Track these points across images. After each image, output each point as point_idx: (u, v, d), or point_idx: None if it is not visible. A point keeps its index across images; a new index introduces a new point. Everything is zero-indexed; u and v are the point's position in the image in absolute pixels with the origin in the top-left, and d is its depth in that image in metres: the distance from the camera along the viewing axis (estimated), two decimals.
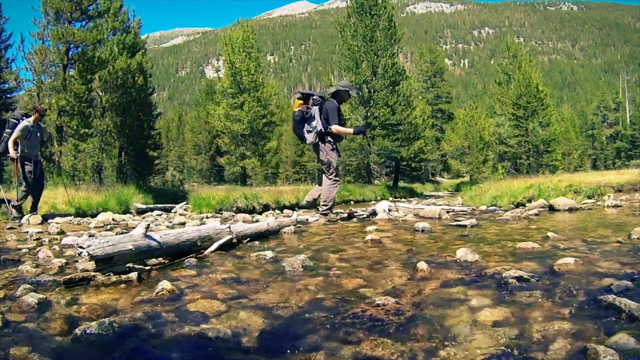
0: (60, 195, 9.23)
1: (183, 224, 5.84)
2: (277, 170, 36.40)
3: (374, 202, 13.86)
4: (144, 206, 10.32)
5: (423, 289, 1.95)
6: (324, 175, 5.56)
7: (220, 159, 27.48)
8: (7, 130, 6.98)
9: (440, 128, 43.84)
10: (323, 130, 5.28)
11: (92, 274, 2.16)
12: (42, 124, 7.47)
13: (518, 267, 2.16)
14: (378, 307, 1.69)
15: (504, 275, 2.03)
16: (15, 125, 6.92)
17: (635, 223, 3.74)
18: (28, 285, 2.02)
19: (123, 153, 19.77)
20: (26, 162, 6.99)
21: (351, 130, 5.60)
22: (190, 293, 1.96)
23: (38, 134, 7.17)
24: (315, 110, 5.34)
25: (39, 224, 5.99)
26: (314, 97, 5.39)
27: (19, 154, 6.85)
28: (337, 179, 5.49)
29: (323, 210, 5.46)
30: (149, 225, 2.59)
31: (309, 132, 5.37)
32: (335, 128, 5.23)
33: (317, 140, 5.33)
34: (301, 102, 5.43)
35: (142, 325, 1.57)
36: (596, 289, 1.82)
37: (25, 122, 6.91)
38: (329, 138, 5.33)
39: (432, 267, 2.28)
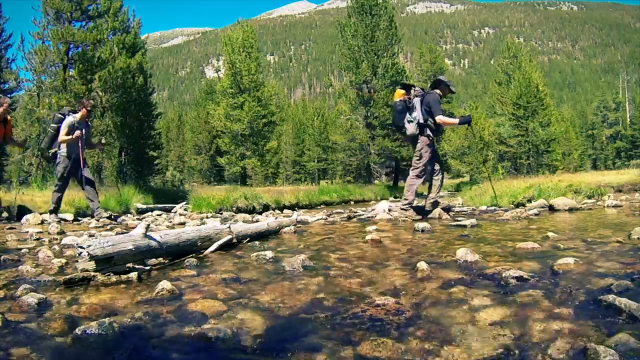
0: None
1: (183, 224, 5.84)
2: (277, 170, 36.44)
3: (374, 202, 13.87)
4: (144, 206, 10.32)
5: (423, 289, 1.95)
6: (410, 168, 5.60)
7: (220, 159, 27.49)
8: (51, 126, 6.68)
9: None
10: (423, 122, 5.38)
11: (92, 274, 2.16)
12: (88, 122, 7.08)
13: (518, 267, 2.16)
14: (378, 307, 1.69)
15: (504, 275, 2.03)
16: (61, 120, 6.59)
17: (635, 223, 3.73)
18: (28, 285, 2.02)
19: (123, 153, 19.78)
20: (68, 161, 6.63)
21: (457, 121, 5.75)
22: (190, 293, 1.96)
23: (84, 132, 6.77)
24: (417, 101, 5.45)
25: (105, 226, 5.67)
26: (416, 89, 5.54)
27: (51, 151, 6.58)
28: (422, 174, 5.46)
29: (403, 205, 5.49)
30: (149, 225, 2.59)
31: (409, 122, 5.44)
32: (440, 119, 5.34)
33: (417, 131, 5.41)
34: (403, 92, 5.53)
35: (142, 325, 1.57)
36: (596, 289, 1.82)
37: (71, 118, 6.58)
38: (428, 131, 5.41)
39: (432, 267, 2.28)
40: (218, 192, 11.83)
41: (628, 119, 53.88)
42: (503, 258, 2.52)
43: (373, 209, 6.68)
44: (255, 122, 23.78)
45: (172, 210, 9.97)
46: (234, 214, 8.66)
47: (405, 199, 5.45)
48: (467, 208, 7.52)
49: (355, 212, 5.96)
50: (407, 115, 5.43)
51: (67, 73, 15.84)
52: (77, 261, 2.59)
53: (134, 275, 2.22)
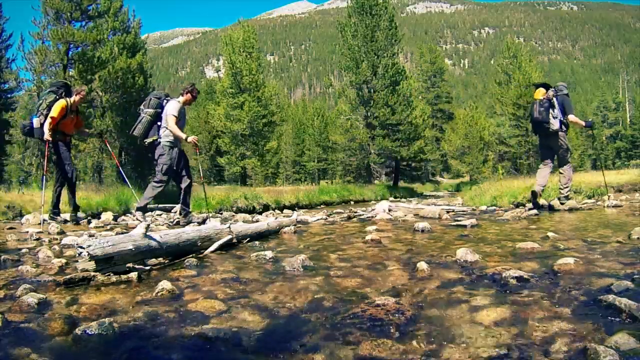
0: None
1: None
2: (277, 170, 36.44)
3: (374, 202, 13.86)
4: None
5: (423, 289, 1.95)
6: (559, 159, 6.13)
7: (220, 159, 27.47)
8: (147, 111, 5.59)
9: (440, 128, 43.83)
10: (562, 119, 5.90)
11: (92, 274, 2.16)
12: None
13: (518, 267, 2.16)
14: (378, 307, 1.69)
15: (504, 275, 2.03)
16: (160, 105, 5.58)
17: (635, 223, 3.73)
18: (28, 285, 2.02)
19: (123, 153, 19.77)
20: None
21: (583, 123, 6.23)
22: (190, 293, 1.96)
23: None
24: (556, 100, 5.92)
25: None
26: (556, 88, 6.00)
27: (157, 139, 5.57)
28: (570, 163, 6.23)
29: (565, 193, 6.09)
30: (149, 225, 2.59)
31: (554, 118, 5.87)
32: (573, 118, 5.86)
33: (558, 127, 5.90)
34: (545, 90, 6.04)
35: (142, 325, 1.57)
36: (596, 289, 1.82)
37: (177, 103, 5.54)
38: (564, 127, 5.95)
39: (432, 267, 2.28)
40: (218, 192, 11.83)
41: (628, 119, 53.87)
42: (503, 258, 2.52)
43: (373, 209, 6.68)
44: (255, 122, 23.78)
45: (172, 210, 9.97)
46: (234, 214, 8.66)
47: (567, 187, 6.11)
48: (467, 208, 7.52)
49: (355, 212, 5.96)
50: (551, 111, 5.88)
51: (67, 73, 15.83)
52: (77, 261, 2.59)
53: (134, 275, 2.22)
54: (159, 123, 5.60)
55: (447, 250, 2.79)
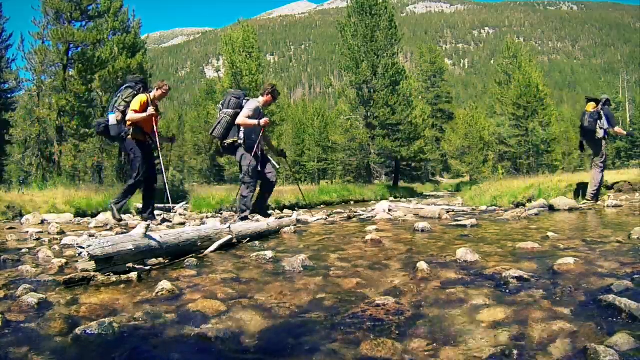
0: (60, 195, 9.23)
1: (183, 224, 5.84)
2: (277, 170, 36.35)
3: (374, 202, 13.86)
4: None
5: (423, 289, 1.95)
6: (594, 164, 7.13)
7: (220, 159, 27.48)
8: (226, 111, 5.34)
9: (440, 128, 43.82)
10: (606, 129, 6.93)
11: (92, 274, 2.16)
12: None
13: (518, 267, 2.16)
14: (378, 307, 1.69)
15: (504, 275, 2.03)
16: (239, 105, 5.39)
17: (635, 223, 3.73)
18: (28, 285, 2.02)
19: (123, 153, 19.78)
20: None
21: (625, 132, 7.72)
22: (190, 293, 1.96)
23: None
24: (603, 113, 6.91)
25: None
26: (604, 102, 7.01)
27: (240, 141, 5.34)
28: (602, 165, 7.09)
29: (592, 191, 6.96)
30: (148, 225, 2.59)
31: (600, 128, 6.90)
32: (617, 129, 7.23)
33: (602, 136, 6.93)
34: (595, 104, 7.05)
35: (142, 325, 1.57)
36: (596, 289, 1.82)
37: (256, 102, 5.44)
38: (607, 136, 7.01)
39: (432, 267, 2.28)
40: (218, 192, 11.84)
41: (628, 119, 53.83)
42: (503, 258, 2.52)
43: (373, 209, 6.68)
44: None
45: (172, 210, 9.97)
46: (234, 214, 8.66)
47: (594, 190, 6.98)
48: (467, 208, 7.52)
49: (355, 212, 5.95)
50: (599, 122, 6.90)
51: (67, 73, 15.85)
52: (77, 261, 2.59)
53: (134, 275, 2.22)
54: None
55: (447, 250, 2.79)
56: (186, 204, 10.95)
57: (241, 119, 5.22)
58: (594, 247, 2.73)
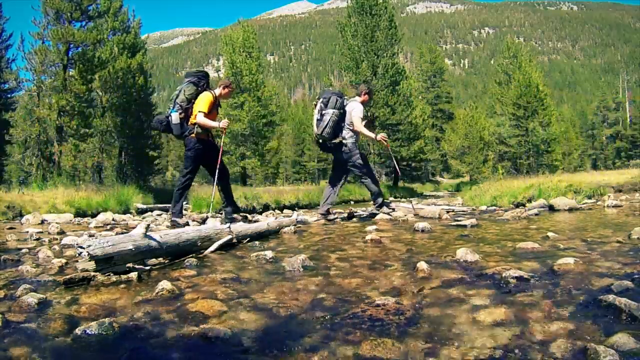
0: (60, 195, 9.23)
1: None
2: (277, 170, 36.40)
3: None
4: (144, 206, 10.33)
5: (423, 289, 1.95)
6: None
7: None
8: (332, 111, 5.34)
9: (440, 128, 43.83)
10: None
11: (92, 274, 2.16)
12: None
13: (518, 267, 2.16)
14: (378, 307, 1.69)
15: (504, 275, 2.03)
16: (343, 105, 5.43)
17: (635, 223, 3.73)
18: (28, 285, 2.02)
19: (123, 153, 19.77)
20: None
21: None
22: (190, 293, 1.96)
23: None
24: None
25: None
26: None
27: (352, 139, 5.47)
28: None
29: None
30: (149, 225, 2.59)
31: None
32: None
33: None
34: None
35: (142, 325, 1.57)
36: (596, 289, 1.82)
37: (360, 104, 5.54)
38: None
39: (432, 267, 2.28)
40: (218, 192, 11.81)
41: (628, 119, 53.83)
42: (503, 258, 2.51)
43: (373, 209, 6.67)
44: (255, 122, 23.79)
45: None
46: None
47: None
48: (467, 208, 7.52)
49: (355, 212, 5.95)
50: None
51: (67, 73, 15.83)
52: (77, 261, 2.59)
53: (134, 275, 2.22)
54: (342, 124, 5.52)
55: (447, 250, 2.79)
56: (186, 203, 10.95)
57: (361, 128, 5.46)
58: (594, 247, 2.73)
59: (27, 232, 4.57)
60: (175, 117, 4.98)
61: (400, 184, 27.57)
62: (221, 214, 6.64)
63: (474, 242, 3.21)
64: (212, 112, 5.04)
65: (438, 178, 49.96)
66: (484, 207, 7.44)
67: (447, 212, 5.77)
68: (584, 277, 2.00)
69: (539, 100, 28.38)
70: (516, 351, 1.28)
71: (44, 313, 1.69)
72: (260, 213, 9.50)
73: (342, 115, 5.40)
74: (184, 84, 5.10)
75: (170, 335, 1.47)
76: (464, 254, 2.48)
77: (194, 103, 4.98)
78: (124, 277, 2.20)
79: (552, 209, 6.07)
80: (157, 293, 1.92)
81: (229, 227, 3.35)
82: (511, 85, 29.27)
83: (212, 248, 3.00)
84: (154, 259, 2.68)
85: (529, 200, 7.55)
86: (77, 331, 1.46)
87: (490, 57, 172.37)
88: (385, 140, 5.65)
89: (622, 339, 1.27)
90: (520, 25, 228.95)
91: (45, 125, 15.94)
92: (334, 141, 5.42)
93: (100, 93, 18.50)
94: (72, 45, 15.77)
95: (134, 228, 2.89)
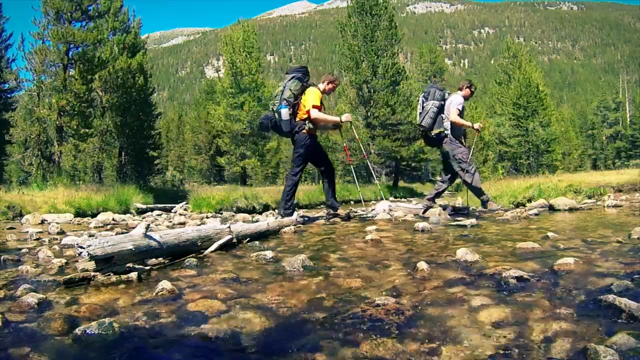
0: (60, 195, 9.23)
1: (183, 224, 5.84)
2: (277, 170, 36.40)
3: (374, 202, 13.86)
4: (144, 206, 10.33)
5: (423, 289, 1.94)
6: None
7: (220, 159, 27.48)
8: (433, 102, 5.54)
9: None
10: None
11: (92, 274, 2.16)
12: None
13: (518, 267, 2.16)
14: (378, 307, 1.69)
15: (504, 275, 2.03)
16: (443, 97, 5.63)
17: (635, 223, 3.73)
18: (28, 285, 2.02)
19: (123, 153, 19.78)
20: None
21: None
22: (190, 293, 1.96)
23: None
24: None
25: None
26: None
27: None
28: None
29: None
30: (149, 225, 2.59)
31: None
32: None
33: None
34: None
35: (142, 325, 1.57)
36: (596, 289, 1.81)
37: (461, 98, 5.70)
38: None
39: (432, 267, 2.28)
40: (218, 192, 11.83)
41: (628, 119, 53.83)
42: (503, 258, 2.51)
43: (373, 209, 6.67)
44: (255, 122, 23.78)
45: (172, 210, 9.98)
46: (234, 214, 8.66)
47: None
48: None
49: (355, 212, 5.95)
50: None
51: (68, 73, 15.84)
52: (77, 261, 2.59)
53: (134, 275, 2.22)
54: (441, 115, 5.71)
55: (447, 250, 2.79)
56: (186, 203, 10.95)
57: (457, 119, 5.61)
58: (594, 247, 2.73)
59: (27, 232, 4.57)
60: (285, 113, 4.89)
61: (400, 183, 27.59)
62: (221, 214, 6.66)
63: (474, 242, 3.21)
64: (321, 108, 5.02)
65: (438, 178, 49.93)
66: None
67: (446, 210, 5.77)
68: (584, 277, 2.00)
69: (538, 100, 28.40)
70: (516, 351, 1.28)
71: (44, 313, 1.69)
72: (260, 213, 9.50)
73: (441, 107, 5.62)
74: (288, 80, 5.00)
75: (170, 335, 1.47)
76: (464, 254, 2.48)
77: (300, 99, 4.92)
78: (124, 277, 2.20)
79: (552, 209, 6.07)
80: (157, 293, 1.92)
81: (229, 227, 3.35)
82: (511, 85, 29.29)
83: (212, 248, 3.00)
84: (154, 259, 2.68)
85: (529, 200, 7.54)
86: (77, 331, 1.46)
87: (490, 57, 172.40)
88: (481, 129, 5.96)
89: (622, 338, 1.27)
90: (520, 25, 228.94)
91: (45, 125, 15.95)
92: (434, 132, 5.64)
93: (100, 93, 18.51)
94: (72, 45, 15.77)
95: (134, 228, 2.89)
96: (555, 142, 29.72)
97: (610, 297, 1.59)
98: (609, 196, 8.24)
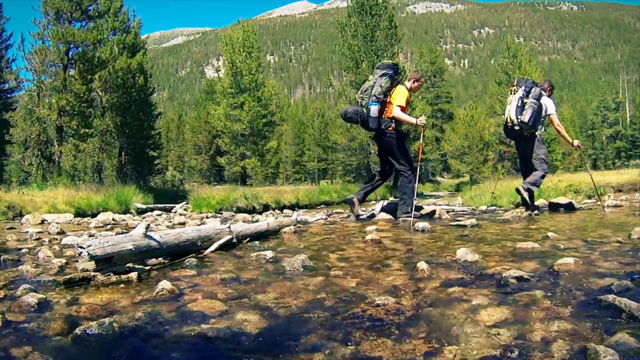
0: (60, 195, 9.23)
1: (183, 224, 5.85)
2: (277, 170, 36.43)
3: (374, 202, 13.86)
4: (144, 206, 10.33)
5: (423, 289, 1.95)
6: None
7: (220, 159, 27.49)
8: (532, 101, 5.35)
9: (440, 128, 43.84)
10: None
11: (92, 274, 2.16)
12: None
13: (518, 267, 2.16)
14: (378, 307, 1.69)
15: (504, 275, 2.03)
16: (541, 95, 5.47)
17: (635, 223, 3.73)
18: (28, 285, 2.02)
19: (123, 153, 19.78)
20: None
21: None
22: (190, 293, 1.96)
23: None
24: None
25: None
26: None
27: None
28: None
29: None
30: (149, 225, 2.59)
31: None
32: None
33: None
34: None
35: (142, 325, 1.57)
36: (596, 289, 1.81)
37: (552, 102, 5.68)
38: None
39: (432, 267, 2.28)
40: (218, 192, 11.84)
41: (628, 119, 53.83)
42: (503, 258, 2.51)
43: (373, 209, 6.67)
44: (255, 122, 23.80)
45: (172, 210, 9.98)
46: (234, 214, 8.66)
47: None
48: (467, 208, 7.52)
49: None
50: None
51: (68, 73, 15.84)
52: (77, 261, 2.59)
53: (134, 275, 2.22)
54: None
55: (447, 250, 2.79)
56: (186, 203, 10.95)
57: (559, 124, 5.73)
58: (594, 247, 2.73)
59: (27, 232, 4.57)
60: (374, 110, 4.82)
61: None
62: (221, 214, 6.66)
63: (474, 242, 3.21)
64: (406, 107, 4.96)
65: (438, 178, 49.98)
66: (484, 207, 7.44)
67: (447, 212, 5.77)
68: (584, 277, 2.00)
69: None
70: (516, 351, 1.28)
71: (44, 313, 1.69)
72: (260, 213, 9.50)
73: (541, 107, 5.48)
74: (378, 77, 4.91)
75: (170, 335, 1.47)
76: (464, 254, 2.48)
77: (389, 96, 4.86)
78: (124, 277, 2.20)
79: (552, 209, 6.07)
80: (157, 293, 1.92)
81: (229, 227, 3.35)
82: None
83: (212, 248, 3.00)
84: (154, 259, 2.68)
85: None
86: (77, 331, 1.46)
87: (490, 57, 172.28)
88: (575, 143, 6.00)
89: (622, 338, 1.27)
90: (520, 25, 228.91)
91: (45, 125, 15.94)
92: (531, 131, 5.45)
93: (100, 93, 18.51)
94: (72, 45, 15.77)
95: (134, 228, 2.89)
96: (555, 142, 29.71)
97: (610, 297, 1.59)
98: (609, 196, 8.25)
